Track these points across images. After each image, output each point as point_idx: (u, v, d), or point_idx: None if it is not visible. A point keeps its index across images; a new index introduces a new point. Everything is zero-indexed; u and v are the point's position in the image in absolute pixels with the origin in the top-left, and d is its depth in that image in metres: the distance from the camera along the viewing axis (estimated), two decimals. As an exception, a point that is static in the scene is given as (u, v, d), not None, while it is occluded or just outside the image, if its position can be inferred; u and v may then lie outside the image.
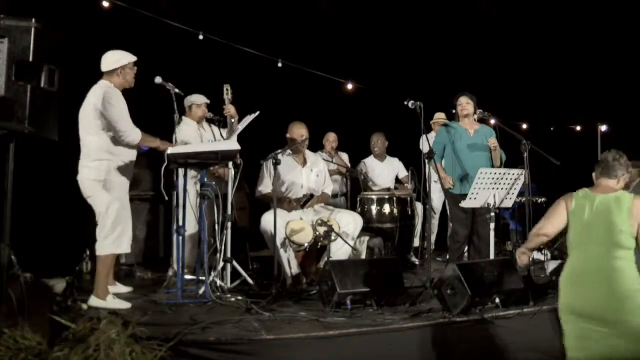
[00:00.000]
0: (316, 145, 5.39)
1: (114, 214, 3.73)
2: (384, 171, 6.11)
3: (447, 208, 5.27)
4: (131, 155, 3.88)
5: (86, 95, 3.79)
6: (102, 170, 3.71)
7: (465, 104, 4.84)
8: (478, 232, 4.73)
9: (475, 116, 4.87)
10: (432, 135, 6.20)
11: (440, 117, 6.40)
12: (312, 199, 4.72)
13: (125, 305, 3.70)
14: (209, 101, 4.93)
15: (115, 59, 3.82)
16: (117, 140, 3.76)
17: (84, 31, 5.07)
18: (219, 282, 4.08)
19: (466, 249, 4.99)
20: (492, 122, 4.86)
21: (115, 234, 3.74)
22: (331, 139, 6.07)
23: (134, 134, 3.74)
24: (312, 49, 6.94)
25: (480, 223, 4.68)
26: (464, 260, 4.91)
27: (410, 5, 7.24)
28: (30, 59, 2.86)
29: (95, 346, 2.49)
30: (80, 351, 2.47)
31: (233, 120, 4.63)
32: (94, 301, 3.67)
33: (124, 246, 3.82)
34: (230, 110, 4.53)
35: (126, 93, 3.89)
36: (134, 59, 3.88)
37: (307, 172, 4.90)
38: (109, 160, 3.74)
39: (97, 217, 3.78)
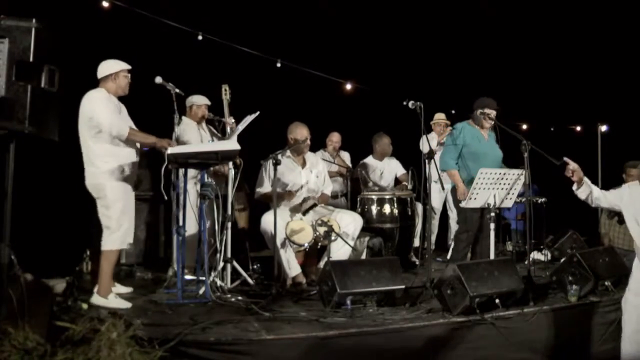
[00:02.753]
0: (315, 145, 5.40)
1: (118, 212, 3.77)
2: (383, 171, 6.11)
3: (448, 208, 5.27)
4: (133, 156, 3.90)
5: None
6: (105, 173, 3.76)
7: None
8: (482, 232, 4.72)
9: None
10: (432, 136, 6.22)
11: (440, 117, 6.40)
12: (315, 207, 4.71)
13: (125, 304, 3.71)
14: (209, 102, 4.94)
15: (109, 66, 3.90)
16: (116, 142, 3.79)
17: (83, 31, 5.07)
18: (219, 282, 4.08)
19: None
20: (492, 122, 4.86)
21: (120, 231, 3.79)
22: (334, 139, 6.07)
23: (118, 127, 3.74)
24: (312, 49, 6.94)
25: (484, 223, 4.67)
26: (464, 260, 4.91)
27: (410, 6, 7.23)
28: (31, 59, 2.85)
29: (97, 347, 2.49)
30: (82, 352, 2.47)
31: (233, 121, 4.64)
32: (95, 298, 3.70)
33: (128, 240, 3.89)
34: (230, 123, 4.64)
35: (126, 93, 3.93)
36: (127, 66, 3.93)
37: (307, 173, 4.89)
38: (112, 163, 3.77)
39: (100, 216, 3.81)
